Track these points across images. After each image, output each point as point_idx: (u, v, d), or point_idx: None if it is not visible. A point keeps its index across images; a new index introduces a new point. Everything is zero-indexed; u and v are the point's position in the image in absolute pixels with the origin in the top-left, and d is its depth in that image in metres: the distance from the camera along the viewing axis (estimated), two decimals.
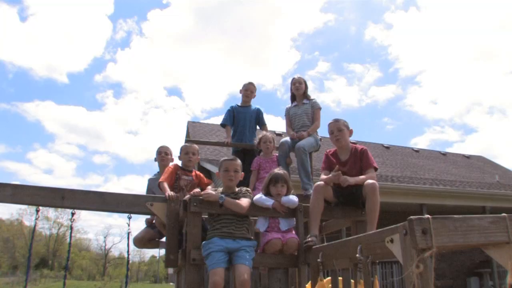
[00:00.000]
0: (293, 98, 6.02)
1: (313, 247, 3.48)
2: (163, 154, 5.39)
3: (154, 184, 5.09)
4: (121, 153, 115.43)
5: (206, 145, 5.71)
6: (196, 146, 4.95)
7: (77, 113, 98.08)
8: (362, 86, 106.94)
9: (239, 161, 3.83)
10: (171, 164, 4.93)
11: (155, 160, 5.41)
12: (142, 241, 4.83)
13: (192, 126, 18.95)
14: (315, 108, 5.79)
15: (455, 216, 1.96)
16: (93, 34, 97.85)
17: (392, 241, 2.14)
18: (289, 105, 6.06)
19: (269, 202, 3.72)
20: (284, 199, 3.77)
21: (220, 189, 3.79)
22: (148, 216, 5.29)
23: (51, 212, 58.37)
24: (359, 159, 4.10)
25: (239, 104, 6.25)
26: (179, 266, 3.94)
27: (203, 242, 3.42)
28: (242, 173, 3.87)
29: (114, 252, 70.60)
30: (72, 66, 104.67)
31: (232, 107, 6.17)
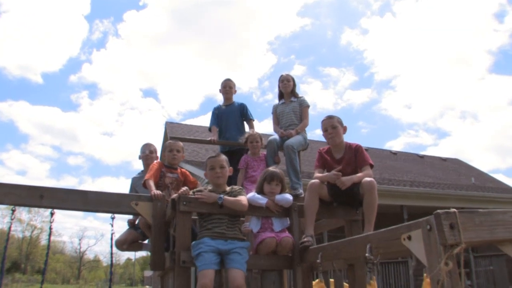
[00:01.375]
0: (281, 95, 5.89)
1: (311, 247, 3.33)
2: (147, 152, 5.17)
3: (138, 183, 4.87)
4: (96, 155, 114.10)
5: (191, 142, 5.46)
6: (180, 143, 4.75)
7: (52, 114, 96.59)
8: (337, 89, 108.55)
9: (223, 156, 3.65)
10: (155, 161, 4.73)
11: (140, 158, 5.18)
12: (125, 243, 4.59)
13: (170, 127, 18.61)
14: (303, 106, 5.67)
15: (479, 210, 1.84)
16: (69, 34, 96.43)
17: (409, 238, 2.03)
18: (277, 102, 5.92)
19: (262, 200, 3.56)
20: (278, 197, 3.62)
21: (209, 187, 3.60)
22: (131, 217, 5.07)
23: (24, 214, 56.91)
24: (354, 156, 3.97)
25: (222, 103, 6.07)
26: (166, 269, 3.73)
27: (193, 242, 3.23)
28: (230, 168, 3.69)
29: (89, 255, 69.44)
30: (47, 66, 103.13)
31: (215, 108, 6.02)
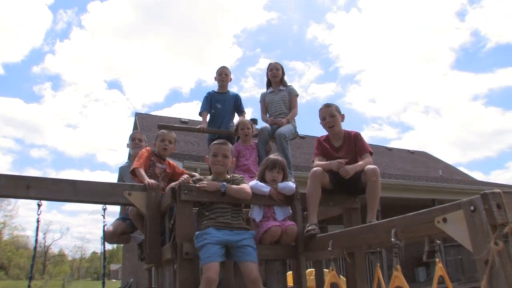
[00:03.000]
0: (269, 84, 5.77)
1: (318, 235, 3.25)
2: (136, 141, 4.95)
3: (126, 172, 4.64)
4: (59, 147, 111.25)
5: (178, 130, 5.26)
6: (174, 134, 4.57)
7: (14, 105, 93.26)
8: (302, 83, 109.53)
9: (230, 146, 3.51)
10: (144, 149, 4.52)
11: (127, 146, 4.97)
12: (114, 236, 4.37)
13: (141, 118, 18.20)
14: (293, 95, 5.60)
15: None
16: (32, 24, 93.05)
17: (445, 220, 2.00)
18: (265, 91, 5.80)
19: (266, 188, 3.44)
20: (281, 185, 3.51)
21: (209, 177, 3.46)
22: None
23: None
24: (353, 144, 3.92)
25: (216, 90, 5.89)
26: (162, 262, 3.55)
27: (197, 233, 3.07)
28: (234, 159, 3.55)
29: (54, 249, 67.73)
30: (9, 56, 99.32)
31: (209, 93, 5.79)
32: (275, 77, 5.62)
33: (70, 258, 73.54)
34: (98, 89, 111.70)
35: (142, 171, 3.95)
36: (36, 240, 3.56)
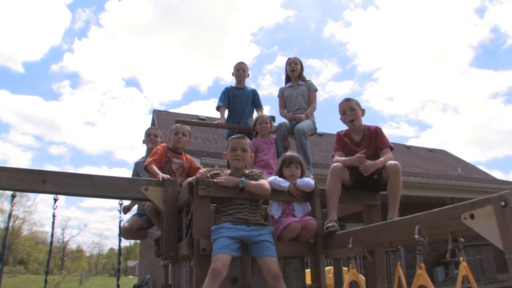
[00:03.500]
0: (288, 79, 5.69)
1: (337, 232, 3.16)
2: (152, 136, 4.91)
3: (141, 168, 4.61)
4: (78, 144, 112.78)
5: (196, 126, 5.20)
6: (188, 127, 4.51)
7: (33, 103, 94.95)
8: (320, 81, 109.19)
9: (247, 140, 3.44)
10: (160, 145, 4.48)
11: (143, 142, 4.93)
12: (130, 232, 4.34)
13: (158, 115, 18.24)
14: (312, 90, 5.51)
15: None
16: (51, 23, 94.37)
17: (472, 216, 1.93)
18: (283, 86, 5.72)
19: (285, 184, 3.37)
20: (299, 181, 3.42)
21: (228, 171, 3.39)
22: (128, 203, 4.83)
23: (5, 205, 55.78)
24: (373, 139, 3.80)
25: (234, 85, 5.82)
26: (179, 259, 3.50)
27: (213, 227, 3.01)
28: (252, 153, 3.47)
29: (72, 245, 68.68)
30: (29, 55, 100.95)
31: (227, 88, 5.73)
32: (294, 71, 5.54)
33: (88, 254, 74.56)
34: (116, 86, 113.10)
35: (155, 167, 3.90)
36: (52, 235, 3.54)
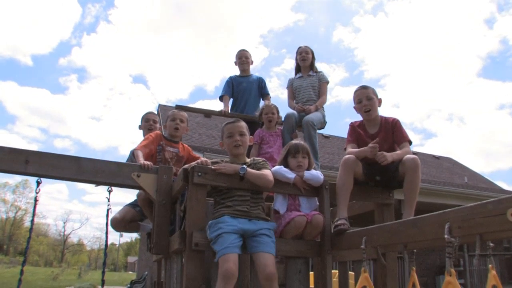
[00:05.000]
0: (298, 69, 5.36)
1: (348, 231, 2.82)
2: (151, 122, 4.58)
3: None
4: (83, 139, 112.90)
5: (198, 113, 4.88)
6: (185, 113, 4.18)
7: (40, 96, 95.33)
8: None
9: (243, 122, 3.11)
10: (153, 132, 4.15)
11: (140, 128, 4.60)
12: (122, 223, 4.00)
13: (164, 110, 17.92)
14: (323, 82, 5.18)
15: None
16: (61, 17, 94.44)
17: None
18: (293, 76, 5.40)
19: (290, 175, 3.03)
20: (307, 174, 3.08)
21: (227, 159, 3.06)
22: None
23: (8, 195, 55.88)
24: (390, 132, 3.46)
25: (238, 74, 5.49)
26: (170, 253, 3.17)
27: (210, 222, 2.68)
28: (251, 136, 3.15)
29: (73, 239, 68.62)
30: (38, 48, 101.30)
31: (231, 77, 5.42)
32: (305, 60, 5.21)
33: (88, 248, 74.43)
34: (123, 82, 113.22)
35: (140, 153, 3.58)
36: (33, 220, 3.23)
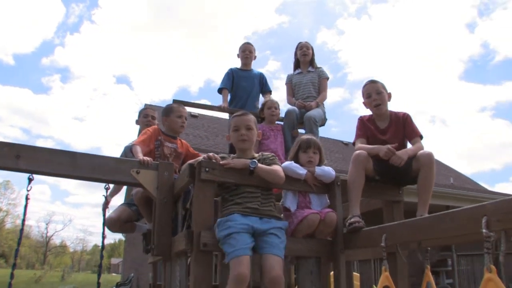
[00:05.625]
0: (297, 65, 5.22)
1: (364, 229, 2.69)
2: (149, 118, 4.39)
3: (130, 152, 4.08)
4: (65, 139, 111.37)
5: (196, 108, 4.70)
6: (185, 109, 4.01)
7: (22, 96, 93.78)
8: None
9: (251, 116, 2.94)
10: (151, 127, 3.97)
11: (137, 123, 4.40)
12: (118, 223, 3.79)
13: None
14: (323, 78, 5.06)
15: None
16: (44, 16, 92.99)
17: None
18: (291, 72, 5.25)
19: (302, 171, 2.88)
20: (318, 170, 2.94)
21: (233, 155, 2.89)
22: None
23: None
24: (401, 127, 3.34)
25: (239, 67, 5.31)
26: (172, 255, 2.98)
27: (219, 220, 2.51)
28: (259, 131, 2.98)
29: (56, 240, 67.44)
30: (20, 47, 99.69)
31: (231, 69, 5.21)
32: (305, 56, 5.08)
33: (71, 250, 73.30)
34: (106, 83, 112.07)
35: (139, 148, 3.41)
36: (24, 220, 3.00)
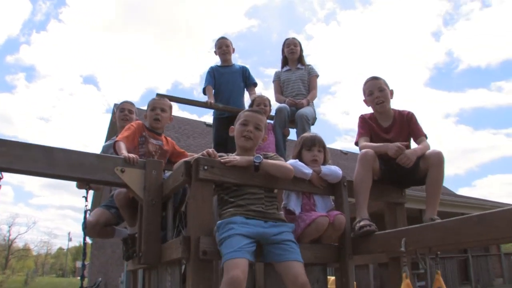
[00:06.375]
0: (285, 62, 4.99)
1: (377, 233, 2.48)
2: (126, 112, 4.03)
3: (110, 151, 3.74)
4: (30, 139, 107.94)
5: (181, 103, 4.38)
6: (168, 101, 3.70)
7: None
8: None
9: (261, 116, 2.68)
10: (134, 122, 3.65)
11: (113, 118, 4.05)
12: (96, 227, 3.42)
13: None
14: (312, 75, 4.85)
15: None
16: (10, 13, 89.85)
17: None
18: (279, 70, 5.02)
19: (307, 170, 2.64)
20: (324, 169, 2.70)
21: (233, 154, 2.61)
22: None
23: None
24: (406, 126, 3.16)
25: (219, 64, 5.04)
26: (162, 263, 2.68)
27: (219, 222, 2.24)
28: (266, 136, 2.73)
29: (19, 243, 65.09)
30: None
31: (211, 67, 4.94)
32: (293, 53, 4.86)
33: (35, 253, 70.92)
34: (73, 83, 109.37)
35: (122, 144, 3.09)
36: None
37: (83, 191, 3.80)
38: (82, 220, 3.17)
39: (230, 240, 2.11)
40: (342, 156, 21.07)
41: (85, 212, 2.91)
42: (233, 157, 2.40)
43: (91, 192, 3.71)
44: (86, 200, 2.90)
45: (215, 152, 2.42)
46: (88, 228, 3.40)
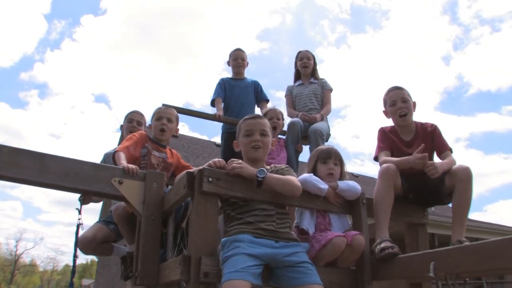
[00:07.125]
0: (298, 76, 4.82)
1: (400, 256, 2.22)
2: (135, 124, 3.84)
3: (110, 161, 3.52)
4: None
5: (189, 115, 4.16)
6: (174, 111, 3.50)
7: None
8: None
9: (266, 120, 2.46)
10: (137, 132, 3.45)
11: (121, 128, 3.85)
12: (93, 244, 3.19)
13: None
14: (326, 89, 4.66)
15: None
16: (26, 31, 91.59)
17: None
18: (292, 84, 4.84)
19: (323, 185, 2.40)
20: (342, 184, 2.46)
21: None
22: None
23: None
24: (429, 139, 2.91)
25: (231, 76, 4.85)
26: (160, 286, 2.42)
27: (224, 240, 1.99)
28: (274, 139, 2.50)
29: (26, 259, 64.88)
30: None
31: (222, 79, 4.76)
32: (306, 67, 4.68)
33: (41, 269, 70.54)
34: (85, 101, 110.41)
35: (122, 154, 2.88)
36: None
37: (89, 207, 3.59)
38: None
39: (234, 259, 1.86)
40: (353, 179, 20.70)
41: (78, 226, 2.67)
42: (239, 162, 2.16)
43: (92, 204, 3.52)
44: (80, 213, 2.66)
45: (223, 162, 2.19)
46: (83, 243, 3.16)
